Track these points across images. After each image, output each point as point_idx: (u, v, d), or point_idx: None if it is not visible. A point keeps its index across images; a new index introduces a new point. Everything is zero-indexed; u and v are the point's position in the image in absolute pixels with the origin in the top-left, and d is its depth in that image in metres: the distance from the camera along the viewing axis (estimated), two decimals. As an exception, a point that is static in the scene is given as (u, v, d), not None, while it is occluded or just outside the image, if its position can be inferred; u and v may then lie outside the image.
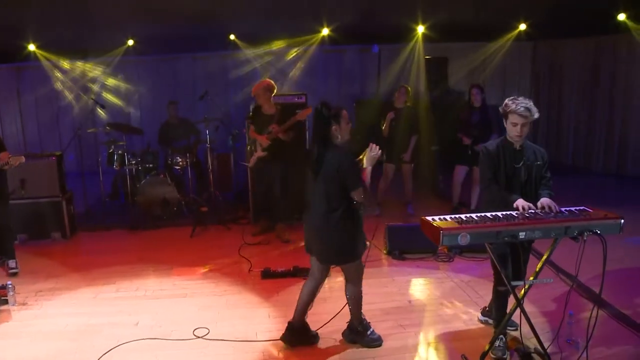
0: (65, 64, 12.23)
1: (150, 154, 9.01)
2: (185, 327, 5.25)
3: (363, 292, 4.96)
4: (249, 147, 7.82)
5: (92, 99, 9.56)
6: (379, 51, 12.37)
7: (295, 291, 5.99)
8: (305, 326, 4.98)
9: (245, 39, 12.20)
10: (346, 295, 4.88)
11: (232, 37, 12.13)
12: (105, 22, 10.53)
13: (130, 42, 11.98)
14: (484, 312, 5.35)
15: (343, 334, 5.01)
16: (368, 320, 4.98)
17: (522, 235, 4.07)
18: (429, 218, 4.25)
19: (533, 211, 4.29)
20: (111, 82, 12.56)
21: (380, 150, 4.49)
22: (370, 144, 4.49)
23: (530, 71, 13.20)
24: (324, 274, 4.90)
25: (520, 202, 4.35)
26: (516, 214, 4.27)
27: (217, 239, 7.90)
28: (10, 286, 5.88)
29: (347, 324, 5.00)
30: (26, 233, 7.85)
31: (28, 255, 7.02)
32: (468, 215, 4.31)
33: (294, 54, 12.65)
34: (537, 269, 4.49)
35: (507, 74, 12.54)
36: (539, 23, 11.22)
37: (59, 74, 12.30)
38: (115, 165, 8.91)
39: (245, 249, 7.44)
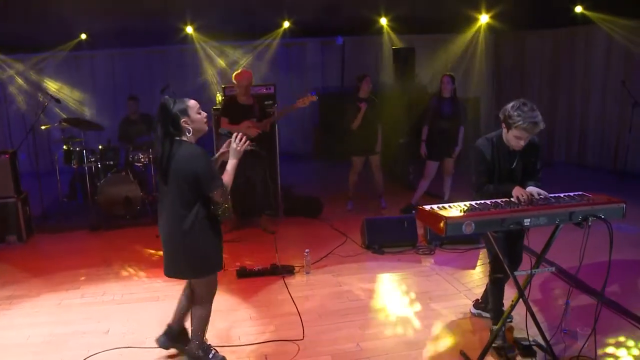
0: (13, 59, 11.56)
1: (111, 151, 8.50)
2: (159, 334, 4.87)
3: (346, 288, 4.65)
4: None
5: (47, 93, 8.98)
6: (343, 43, 12.09)
7: (275, 290, 5.73)
8: (184, 331, 4.55)
9: (203, 33, 11.82)
10: (192, 309, 4.29)
11: (189, 30, 11.73)
12: (57, 16, 10.06)
13: (83, 37, 11.48)
14: (476, 305, 5.14)
15: (158, 340, 4.51)
16: (209, 343, 4.40)
17: (527, 222, 3.86)
18: (429, 207, 3.97)
19: (533, 199, 4.07)
20: (63, 77, 11.93)
21: (248, 142, 4.06)
22: (235, 134, 4.06)
23: (493, 64, 13.14)
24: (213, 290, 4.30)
25: (516, 191, 4.12)
26: (515, 201, 4.05)
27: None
28: (-37, 295, 5.39)
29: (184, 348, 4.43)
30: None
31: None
32: (467, 203, 4.05)
33: (255, 47, 12.31)
34: (539, 258, 4.28)
35: (470, 67, 12.43)
36: (501, 15, 11.19)
37: (6, 69, 11.64)
38: (73, 163, 8.38)
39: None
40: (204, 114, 3.95)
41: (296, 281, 6.02)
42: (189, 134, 3.85)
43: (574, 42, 11.38)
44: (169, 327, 4.51)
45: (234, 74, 7.28)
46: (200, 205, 3.86)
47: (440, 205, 4.01)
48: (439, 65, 11.93)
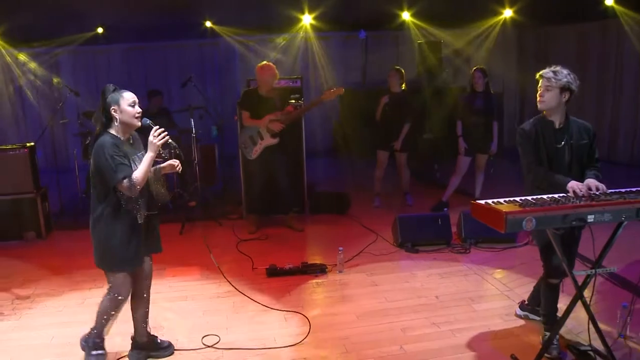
0: (27, 54, 11.37)
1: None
2: (192, 335, 4.65)
3: (383, 288, 4.76)
4: (248, 136, 7.10)
5: (66, 85, 8.74)
6: (366, 37, 11.80)
7: (308, 290, 5.49)
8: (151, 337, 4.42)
9: (223, 26, 11.57)
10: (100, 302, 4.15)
11: (208, 24, 11.48)
12: (72, 9, 9.82)
13: (100, 30, 11.23)
14: (522, 307, 4.85)
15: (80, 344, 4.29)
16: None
17: (590, 218, 3.58)
18: (485, 202, 3.70)
19: (592, 193, 3.79)
20: (79, 71, 11.71)
21: (167, 136, 3.85)
22: (155, 127, 3.85)
23: (517, 59, 12.81)
24: (125, 288, 4.09)
25: (573, 185, 3.83)
26: (572, 196, 3.77)
27: (209, 235, 7.22)
28: (-17, 294, 5.16)
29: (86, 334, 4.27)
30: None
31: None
32: (521, 198, 3.78)
33: (276, 41, 12.05)
34: (599, 257, 3.98)
35: (493, 61, 12.09)
36: (525, 9, 10.86)
37: (20, 64, 11.44)
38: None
39: (243, 245, 6.82)
40: (137, 109, 3.87)
41: (329, 280, 5.76)
42: (116, 122, 3.81)
43: (606, 36, 11.00)
44: (134, 339, 4.38)
45: (257, 67, 7.02)
46: (110, 198, 3.81)
47: (495, 200, 3.74)
48: (461, 60, 11.61)
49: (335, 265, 6.00)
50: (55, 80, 9.41)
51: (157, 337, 4.42)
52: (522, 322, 4.76)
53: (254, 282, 5.71)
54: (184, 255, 6.48)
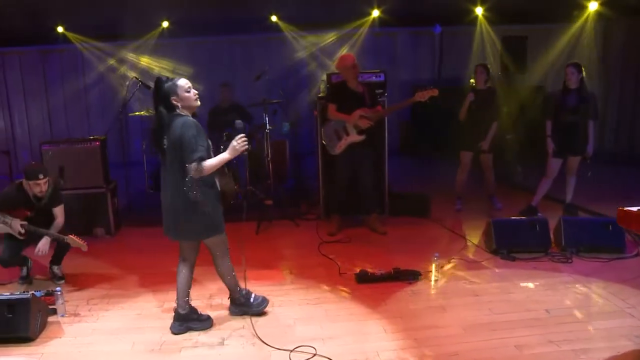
0: (97, 47, 11.21)
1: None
2: (285, 346, 4.23)
3: (486, 299, 4.71)
4: (333, 130, 6.68)
5: (136, 78, 8.46)
6: (442, 32, 11.28)
7: (404, 298, 5.02)
8: (193, 310, 4.60)
9: (289, 21, 11.23)
10: (218, 270, 4.62)
11: (273, 18, 11.13)
12: (138, 3, 9.61)
13: (165, 24, 11.00)
14: (658, 328, 4.28)
15: (229, 309, 4.78)
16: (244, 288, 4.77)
17: None
18: (637, 209, 3.17)
19: None
20: (145, 65, 11.48)
21: (247, 146, 4.11)
22: (241, 135, 4.13)
23: (603, 53, 12.04)
24: (194, 253, 4.58)
25: None
26: None
27: (287, 236, 6.83)
28: (59, 293, 4.84)
29: (229, 299, 4.80)
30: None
31: (69, 255, 5.83)
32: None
33: (343, 36, 11.63)
34: None
35: (578, 57, 11.40)
36: (612, 1, 10.16)
37: (90, 57, 11.29)
38: (161, 153, 7.82)
39: (325, 247, 6.38)
40: (194, 92, 4.19)
41: (424, 288, 5.28)
42: (178, 110, 4.13)
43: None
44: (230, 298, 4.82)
45: (338, 59, 6.63)
46: None
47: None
48: (541, 56, 10.97)
49: (428, 271, 5.51)
50: (131, 74, 9.15)
51: (197, 309, 4.63)
52: (656, 344, 4.19)
53: (344, 288, 5.27)
54: (264, 257, 6.09)
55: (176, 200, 4.18)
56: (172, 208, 4.26)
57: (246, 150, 4.12)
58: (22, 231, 5.25)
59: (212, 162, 4.03)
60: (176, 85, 4.10)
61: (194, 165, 3.93)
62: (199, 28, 11.12)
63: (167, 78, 4.17)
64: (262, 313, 4.73)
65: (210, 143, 4.22)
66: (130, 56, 11.53)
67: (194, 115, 4.26)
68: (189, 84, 4.17)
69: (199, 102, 4.23)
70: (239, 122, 4.60)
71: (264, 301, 4.79)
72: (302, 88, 11.77)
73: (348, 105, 6.43)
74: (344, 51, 11.38)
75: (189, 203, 4.10)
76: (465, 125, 7.50)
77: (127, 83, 9.87)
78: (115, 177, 7.58)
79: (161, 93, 4.11)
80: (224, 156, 4.09)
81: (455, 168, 7.85)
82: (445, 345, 4.21)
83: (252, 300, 4.73)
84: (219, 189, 4.29)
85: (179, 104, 4.12)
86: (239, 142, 4.08)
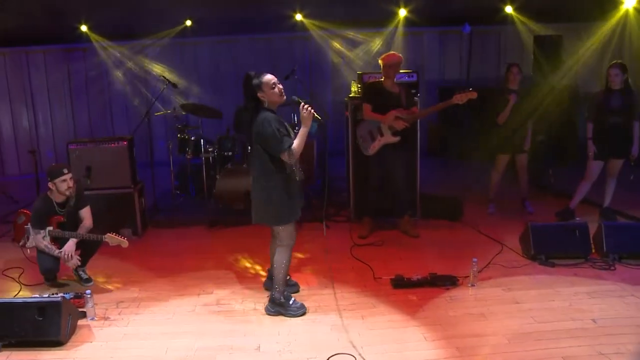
0: (120, 45, 11.16)
1: (230, 141, 7.80)
2: (323, 353, 4.07)
3: (528, 306, 4.64)
4: (367, 130, 6.53)
5: (163, 77, 8.36)
6: (471, 32, 11.06)
7: (443, 305, 4.87)
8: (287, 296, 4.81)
9: (314, 20, 11.09)
10: (271, 258, 4.89)
11: (298, 17, 11.00)
12: (162, 1, 9.55)
13: (188, 23, 10.91)
14: None
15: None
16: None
17: None
18: None
19: None
20: (167, 64, 11.39)
21: (311, 109, 4.29)
22: (302, 104, 4.35)
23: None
24: (292, 236, 4.75)
25: None
26: None
27: (317, 238, 6.67)
28: (89, 296, 4.73)
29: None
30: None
31: (96, 255, 5.74)
32: None
33: (369, 35, 11.50)
34: None
35: (610, 56, 11.12)
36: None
37: (114, 56, 11.23)
38: (188, 154, 7.73)
39: (357, 250, 6.23)
40: (279, 87, 4.41)
41: (462, 294, 5.10)
42: (265, 105, 4.41)
43: None
44: (269, 271, 5.10)
45: (383, 57, 6.44)
46: (276, 163, 4.40)
47: None
48: (573, 55, 10.70)
49: (465, 277, 5.34)
50: (159, 73, 9.04)
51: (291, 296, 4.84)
52: None
53: (379, 293, 5.11)
54: (295, 259, 5.88)
55: (255, 187, 4.56)
56: (253, 193, 4.60)
57: (315, 113, 4.33)
58: (59, 253, 5.20)
59: (297, 142, 4.31)
60: (262, 82, 4.35)
61: (287, 153, 4.27)
62: (222, 27, 11.04)
63: (255, 74, 4.40)
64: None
65: (289, 129, 4.48)
66: (153, 55, 11.42)
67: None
68: (275, 80, 4.40)
69: (284, 97, 4.46)
70: (293, 97, 4.85)
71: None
72: (326, 88, 11.61)
73: (384, 105, 6.27)
74: (371, 50, 11.24)
75: (263, 191, 4.49)
76: (501, 127, 7.31)
77: (156, 81, 9.80)
78: (140, 177, 7.51)
79: (249, 89, 4.38)
80: (303, 130, 4.33)
81: (482, 171, 7.67)
82: (490, 356, 4.05)
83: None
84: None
85: (265, 100, 4.39)
86: (305, 110, 4.29)
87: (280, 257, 4.66)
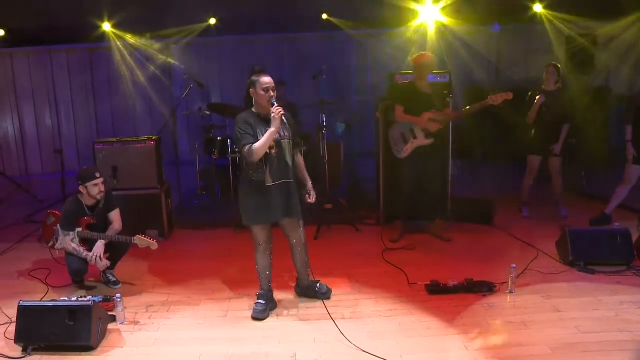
0: (144, 44, 11.08)
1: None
2: (360, 362, 3.93)
3: (570, 315, 4.57)
4: (400, 132, 6.38)
5: (190, 76, 8.28)
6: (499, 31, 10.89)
7: (481, 312, 4.71)
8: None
9: (340, 18, 10.92)
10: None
11: (323, 16, 10.85)
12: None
13: (212, 21, 10.80)
14: None
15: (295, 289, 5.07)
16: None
17: None
18: None
19: None
20: (190, 63, 11.29)
21: (281, 110, 4.24)
22: (275, 105, 4.31)
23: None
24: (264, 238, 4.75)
25: None
26: None
27: (348, 242, 6.54)
28: (119, 299, 4.63)
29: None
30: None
31: (124, 257, 5.67)
32: None
33: (395, 35, 11.32)
34: None
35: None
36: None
37: (136, 55, 11.17)
38: (214, 154, 7.62)
39: (389, 254, 6.08)
40: (270, 94, 4.34)
41: (500, 301, 4.94)
42: (253, 102, 4.45)
43: None
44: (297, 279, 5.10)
45: (416, 57, 6.32)
46: (245, 165, 4.48)
47: None
48: (606, 55, 10.47)
49: (502, 283, 5.18)
50: (186, 74, 8.96)
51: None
52: None
53: (415, 299, 4.96)
54: (326, 263, 5.74)
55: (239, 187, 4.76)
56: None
57: (283, 113, 4.25)
58: (87, 255, 5.13)
59: (261, 141, 4.28)
60: (258, 80, 4.36)
61: (245, 149, 4.29)
62: (246, 26, 10.92)
63: (259, 71, 4.41)
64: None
65: (259, 129, 4.37)
66: (177, 54, 11.34)
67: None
68: (269, 85, 4.35)
69: (269, 106, 4.34)
70: (272, 101, 4.59)
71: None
72: (352, 88, 11.47)
73: (417, 107, 6.12)
74: (399, 50, 11.06)
75: (240, 189, 4.68)
76: (534, 129, 7.15)
77: (181, 80, 9.71)
78: (165, 177, 7.42)
79: (248, 82, 4.41)
80: (269, 130, 4.27)
81: (511, 173, 7.47)
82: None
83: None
84: (264, 180, 4.42)
85: (254, 98, 4.41)
86: (275, 111, 4.25)
87: (255, 257, 4.74)
